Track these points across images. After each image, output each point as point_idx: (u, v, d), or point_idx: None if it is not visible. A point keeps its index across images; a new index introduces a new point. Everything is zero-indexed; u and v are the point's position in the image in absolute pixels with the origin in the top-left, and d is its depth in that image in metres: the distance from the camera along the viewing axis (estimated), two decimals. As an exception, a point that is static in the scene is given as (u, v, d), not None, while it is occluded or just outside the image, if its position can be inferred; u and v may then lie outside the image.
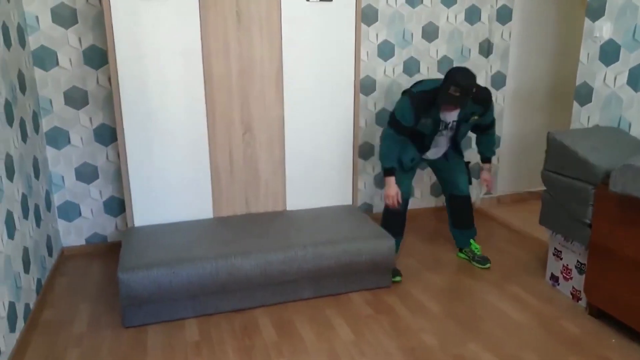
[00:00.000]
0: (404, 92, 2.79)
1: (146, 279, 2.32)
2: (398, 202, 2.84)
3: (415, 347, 2.29)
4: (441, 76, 3.73)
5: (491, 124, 2.97)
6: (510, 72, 3.94)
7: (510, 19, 3.79)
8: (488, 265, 3.07)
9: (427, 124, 2.75)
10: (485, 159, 3.08)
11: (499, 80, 3.91)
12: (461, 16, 3.68)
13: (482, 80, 3.88)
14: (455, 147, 2.99)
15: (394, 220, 3.00)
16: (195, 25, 2.68)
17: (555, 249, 2.80)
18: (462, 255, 3.24)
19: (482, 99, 2.77)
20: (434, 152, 2.98)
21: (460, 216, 3.14)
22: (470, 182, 3.09)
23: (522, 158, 4.20)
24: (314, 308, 2.62)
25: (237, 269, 2.45)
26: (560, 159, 2.63)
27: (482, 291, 2.80)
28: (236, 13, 2.71)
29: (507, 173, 4.19)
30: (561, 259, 2.76)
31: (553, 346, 2.29)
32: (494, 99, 3.92)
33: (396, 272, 2.90)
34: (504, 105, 4.00)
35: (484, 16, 3.75)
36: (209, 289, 2.45)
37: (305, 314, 2.56)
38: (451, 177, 3.04)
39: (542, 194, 2.80)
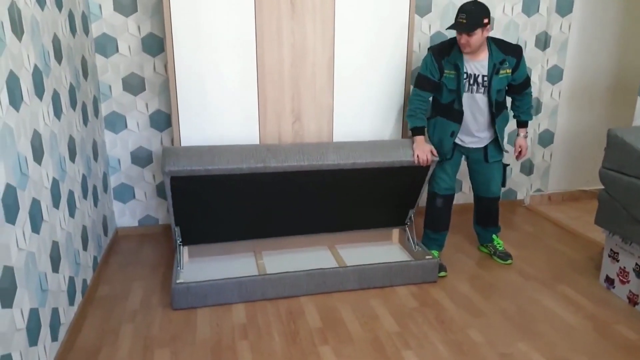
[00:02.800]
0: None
1: (190, 164, 2.43)
2: (431, 157, 2.72)
3: (461, 342, 2.27)
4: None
5: (525, 83, 2.82)
6: (567, 65, 3.79)
7: (570, 11, 3.64)
8: (509, 261, 3.04)
9: (451, 76, 2.70)
10: (522, 123, 2.96)
11: (555, 74, 3.77)
12: (518, 7, 3.57)
13: (537, 75, 3.76)
14: (494, 122, 2.79)
15: (438, 215, 2.97)
16: (250, 14, 2.71)
17: (611, 250, 2.69)
18: (483, 249, 3.21)
19: (512, 49, 2.71)
20: (472, 129, 2.81)
21: (486, 215, 3.11)
22: (504, 185, 3.02)
23: (575, 155, 4.06)
24: (358, 298, 2.63)
25: (282, 154, 2.54)
26: (621, 156, 2.52)
27: (531, 290, 2.73)
28: (290, 2, 2.73)
29: (559, 170, 4.06)
30: (618, 261, 2.65)
31: (608, 351, 2.21)
32: (548, 93, 3.80)
33: (442, 267, 2.87)
34: (559, 101, 3.86)
35: (543, 7, 3.62)
36: (255, 177, 2.53)
37: (350, 304, 2.57)
38: (486, 182, 2.98)
39: (599, 192, 2.70)
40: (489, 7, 3.39)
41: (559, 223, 3.67)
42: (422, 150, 2.71)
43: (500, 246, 3.11)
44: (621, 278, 2.63)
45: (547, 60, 3.72)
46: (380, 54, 2.94)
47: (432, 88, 2.75)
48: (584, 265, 3.03)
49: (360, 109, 3.00)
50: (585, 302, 2.61)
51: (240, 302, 2.57)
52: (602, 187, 2.68)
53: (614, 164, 2.57)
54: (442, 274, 2.86)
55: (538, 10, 3.62)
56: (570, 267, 3.01)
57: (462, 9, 2.55)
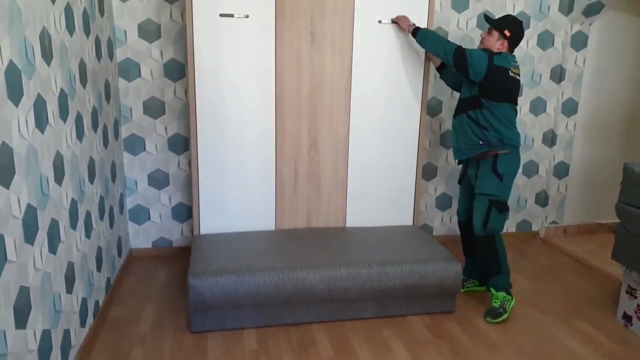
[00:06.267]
0: None
1: (214, 285, 2.39)
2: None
3: (476, 377, 2.22)
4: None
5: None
6: (583, 98, 3.80)
7: (585, 46, 3.67)
8: (500, 319, 2.67)
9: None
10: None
11: (570, 107, 3.78)
12: (533, 41, 3.61)
13: (552, 107, 3.77)
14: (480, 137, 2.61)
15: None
16: (271, 43, 2.77)
17: (629, 286, 2.64)
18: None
19: None
20: (458, 144, 2.75)
21: (473, 257, 2.92)
22: (484, 226, 2.64)
23: (591, 187, 4.02)
24: (371, 328, 2.59)
25: (302, 282, 2.48)
26: (638, 191, 2.50)
27: (548, 325, 2.68)
28: (310, 33, 2.79)
29: (575, 202, 4.02)
30: (635, 297, 2.60)
31: (627, 390, 2.15)
32: (563, 125, 3.81)
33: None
34: (575, 133, 3.86)
35: (558, 42, 3.65)
36: (274, 299, 2.49)
37: (363, 333, 2.54)
38: (472, 209, 2.75)
39: (616, 227, 2.67)
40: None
41: (575, 256, 3.61)
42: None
43: (496, 301, 2.71)
44: (639, 315, 2.58)
45: (562, 93, 3.74)
46: (397, 83, 2.98)
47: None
48: (601, 300, 2.97)
49: (376, 136, 3.02)
50: (603, 339, 2.55)
51: (252, 328, 2.55)
52: (619, 220, 2.65)
53: (630, 199, 2.55)
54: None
55: (553, 45, 3.65)
56: (587, 302, 2.95)
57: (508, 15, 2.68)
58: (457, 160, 2.89)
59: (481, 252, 2.76)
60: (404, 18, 2.84)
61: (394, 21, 2.87)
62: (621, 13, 3.70)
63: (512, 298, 2.73)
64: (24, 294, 1.67)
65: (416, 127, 3.06)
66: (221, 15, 2.68)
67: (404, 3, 2.89)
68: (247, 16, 2.70)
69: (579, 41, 3.66)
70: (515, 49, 3.65)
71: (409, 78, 2.99)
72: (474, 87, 2.60)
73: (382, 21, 2.87)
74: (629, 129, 3.97)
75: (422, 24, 2.91)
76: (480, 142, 2.61)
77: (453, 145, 2.79)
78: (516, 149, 2.66)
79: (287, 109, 2.88)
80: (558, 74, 3.72)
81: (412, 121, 3.05)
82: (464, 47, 2.61)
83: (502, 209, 2.62)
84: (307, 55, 2.82)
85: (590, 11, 3.51)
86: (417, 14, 2.91)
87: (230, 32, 2.72)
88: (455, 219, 3.77)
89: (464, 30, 3.52)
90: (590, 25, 3.64)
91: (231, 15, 2.69)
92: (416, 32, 2.77)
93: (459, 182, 2.93)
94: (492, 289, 2.75)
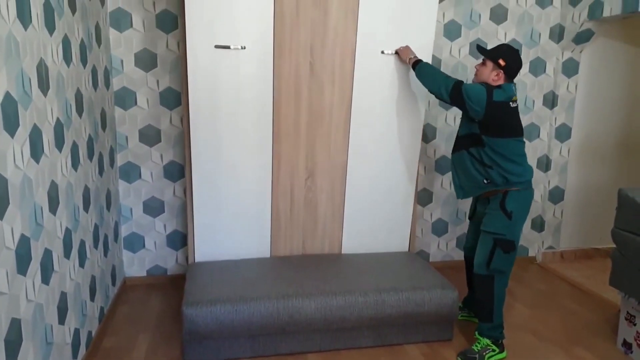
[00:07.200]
0: None
1: (209, 315, 2.36)
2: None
3: (475, 408, 2.18)
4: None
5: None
6: (575, 124, 3.84)
7: (576, 72, 3.73)
8: None
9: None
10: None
11: (564, 132, 3.82)
12: (525, 68, 3.66)
13: (545, 132, 3.81)
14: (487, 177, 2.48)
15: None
16: (269, 73, 2.76)
17: (628, 313, 2.62)
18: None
19: None
20: (460, 182, 2.65)
21: (474, 288, 2.71)
22: (488, 265, 2.49)
23: (587, 212, 4.03)
24: (368, 357, 2.55)
25: (297, 311, 2.45)
26: (633, 217, 2.50)
27: (547, 352, 2.65)
28: (310, 63, 2.79)
29: (571, 227, 4.02)
30: (635, 324, 2.58)
31: (628, 420, 2.11)
32: (557, 150, 3.83)
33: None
34: (569, 158, 3.88)
35: (549, 68, 3.71)
36: (269, 329, 2.46)
37: (359, 363, 2.51)
38: (478, 238, 2.61)
39: (612, 252, 2.66)
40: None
41: (572, 282, 3.60)
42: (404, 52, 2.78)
43: (477, 345, 2.57)
44: (639, 343, 2.55)
45: (555, 119, 3.78)
46: (396, 113, 2.97)
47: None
48: (600, 326, 2.94)
49: (373, 165, 3.02)
50: (603, 367, 2.52)
51: (247, 358, 2.51)
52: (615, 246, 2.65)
53: (626, 224, 2.55)
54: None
55: (545, 71, 3.71)
56: (586, 328, 2.92)
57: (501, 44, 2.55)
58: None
59: (478, 292, 2.60)
60: (406, 49, 2.78)
61: (397, 52, 2.84)
62: (611, 40, 3.78)
63: (498, 350, 2.55)
64: (15, 326, 1.64)
65: (413, 154, 3.06)
66: (217, 46, 2.68)
67: (407, 33, 2.83)
68: (244, 47, 2.71)
69: (570, 68, 3.72)
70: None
71: (408, 107, 2.97)
72: (473, 124, 2.45)
73: (385, 52, 2.84)
74: (622, 153, 4.01)
75: (426, 54, 2.85)
76: (485, 181, 2.48)
77: (454, 183, 2.68)
78: (528, 185, 2.50)
79: (284, 138, 2.87)
80: (550, 100, 3.77)
81: (410, 149, 3.04)
82: (463, 82, 2.45)
83: (508, 248, 2.45)
84: (306, 86, 2.82)
85: (580, 39, 3.58)
86: (420, 45, 2.85)
87: (227, 62, 2.73)
88: (452, 244, 3.78)
89: (456, 58, 3.57)
90: (580, 52, 3.71)
91: (227, 47, 2.70)
92: (416, 65, 2.68)
93: (470, 218, 2.83)
94: (476, 332, 2.61)
